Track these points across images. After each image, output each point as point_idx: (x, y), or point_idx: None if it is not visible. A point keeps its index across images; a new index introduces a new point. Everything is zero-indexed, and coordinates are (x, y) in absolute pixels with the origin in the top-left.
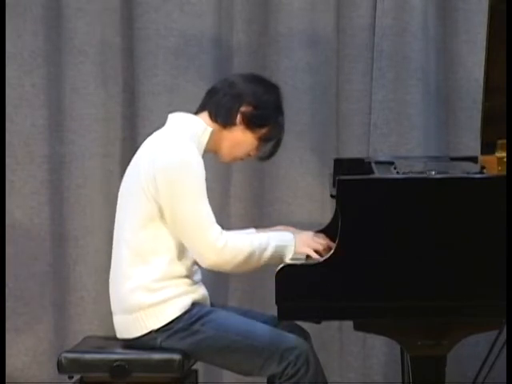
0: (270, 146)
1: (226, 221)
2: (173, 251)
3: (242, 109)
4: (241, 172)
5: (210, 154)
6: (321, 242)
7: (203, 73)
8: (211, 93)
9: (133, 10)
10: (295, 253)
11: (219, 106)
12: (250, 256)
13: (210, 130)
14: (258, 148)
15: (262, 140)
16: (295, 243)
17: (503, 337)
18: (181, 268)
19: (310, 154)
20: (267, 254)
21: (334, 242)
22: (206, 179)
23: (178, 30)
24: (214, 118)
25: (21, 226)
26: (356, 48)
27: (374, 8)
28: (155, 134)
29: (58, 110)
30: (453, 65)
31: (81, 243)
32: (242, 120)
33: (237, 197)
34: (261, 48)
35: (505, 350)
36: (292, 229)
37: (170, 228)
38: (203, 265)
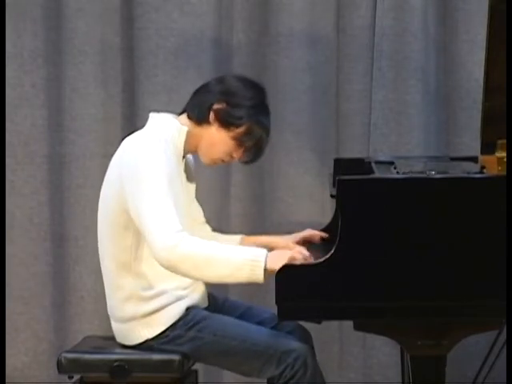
0: (251, 147)
1: (225, 221)
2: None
3: (215, 106)
4: (241, 172)
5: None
6: (300, 252)
7: (203, 73)
8: (196, 91)
9: (133, 9)
10: (270, 270)
11: (195, 102)
12: (206, 261)
13: (185, 129)
14: (237, 149)
15: (238, 140)
16: (268, 261)
17: (503, 337)
18: (169, 272)
19: (309, 153)
20: (229, 265)
21: (334, 242)
22: (206, 179)
23: (178, 29)
24: (189, 115)
25: (21, 225)
26: (356, 48)
27: (374, 8)
28: (129, 137)
29: (57, 110)
30: (453, 65)
31: (81, 243)
32: (215, 117)
33: (237, 197)
34: (261, 48)
35: (505, 350)
36: (279, 238)
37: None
38: (158, 261)
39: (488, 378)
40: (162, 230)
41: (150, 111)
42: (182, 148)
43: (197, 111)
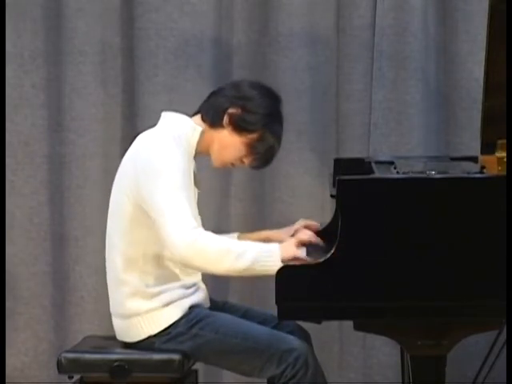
0: (262, 153)
1: (225, 221)
2: (162, 254)
3: (230, 110)
4: (241, 172)
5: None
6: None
7: (203, 73)
8: (211, 94)
9: (133, 9)
10: (283, 260)
11: (211, 105)
12: (224, 255)
13: (199, 129)
14: (247, 155)
15: (250, 146)
16: (280, 251)
17: (503, 337)
18: (173, 270)
19: (309, 153)
20: (245, 259)
21: (334, 242)
22: (206, 180)
23: (178, 29)
24: (204, 117)
25: (21, 225)
26: (356, 48)
27: (374, 8)
28: (142, 134)
29: (57, 110)
30: (453, 65)
31: (81, 243)
32: (229, 122)
33: (237, 197)
34: (261, 48)
35: (505, 350)
36: (274, 232)
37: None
38: (173, 256)
39: (488, 378)
40: (180, 226)
41: (150, 111)
42: (195, 147)
43: (211, 114)
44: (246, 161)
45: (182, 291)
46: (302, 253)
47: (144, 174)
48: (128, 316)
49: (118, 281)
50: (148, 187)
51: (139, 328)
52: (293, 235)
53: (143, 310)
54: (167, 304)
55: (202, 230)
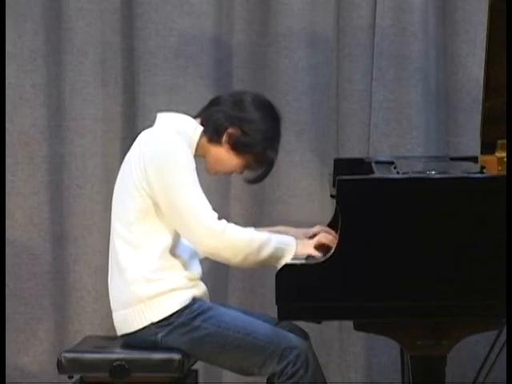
0: (257, 171)
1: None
2: (167, 245)
3: (230, 130)
4: None
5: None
6: (322, 240)
7: (203, 73)
8: (212, 103)
9: (133, 9)
10: (296, 255)
11: (211, 119)
12: (250, 245)
13: (200, 128)
14: (243, 170)
15: (246, 165)
16: (296, 247)
17: (503, 337)
18: (177, 261)
19: (309, 153)
20: (267, 249)
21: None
22: (206, 179)
23: (178, 29)
24: (203, 129)
25: (21, 226)
26: (356, 48)
27: (374, 8)
28: (145, 131)
29: (57, 110)
30: (453, 65)
31: (81, 243)
32: (228, 141)
33: (237, 197)
34: (261, 48)
35: (505, 350)
36: (292, 229)
37: (166, 220)
38: (201, 250)
39: (488, 378)
40: (206, 218)
41: (150, 111)
42: (195, 146)
43: (211, 130)
44: (240, 174)
45: (184, 281)
46: (317, 254)
47: (155, 168)
48: (130, 303)
49: (120, 268)
50: (162, 183)
51: (141, 315)
52: (311, 237)
53: (146, 296)
54: (169, 291)
55: (224, 220)
